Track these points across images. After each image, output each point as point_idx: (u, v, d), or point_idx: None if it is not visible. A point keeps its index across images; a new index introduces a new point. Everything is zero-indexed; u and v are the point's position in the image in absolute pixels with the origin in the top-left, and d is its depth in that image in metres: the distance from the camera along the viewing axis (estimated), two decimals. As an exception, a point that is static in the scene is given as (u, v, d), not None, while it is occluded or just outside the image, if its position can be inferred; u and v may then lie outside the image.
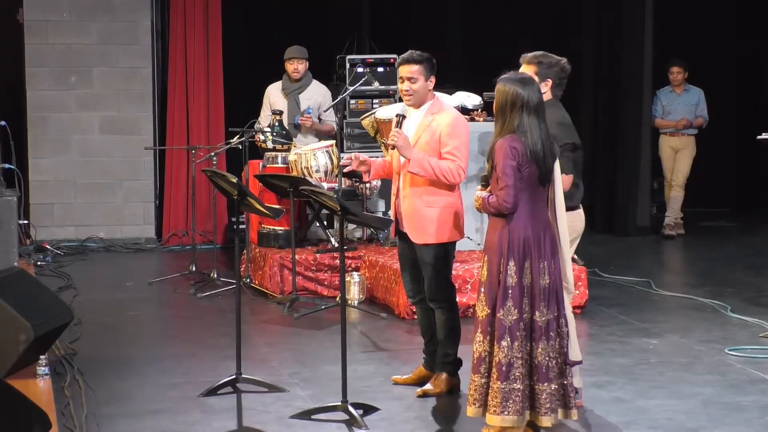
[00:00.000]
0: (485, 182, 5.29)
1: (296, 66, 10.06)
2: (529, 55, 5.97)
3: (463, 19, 13.41)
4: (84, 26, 11.91)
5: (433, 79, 6.27)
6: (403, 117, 6.26)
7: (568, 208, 5.87)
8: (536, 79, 5.84)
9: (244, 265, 9.47)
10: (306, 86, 10.18)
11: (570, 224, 5.85)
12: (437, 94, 6.44)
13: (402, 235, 6.38)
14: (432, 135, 6.19)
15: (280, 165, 9.60)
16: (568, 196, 5.87)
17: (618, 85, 12.57)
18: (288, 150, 9.65)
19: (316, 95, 10.19)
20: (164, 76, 12.26)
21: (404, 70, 6.25)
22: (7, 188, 9.64)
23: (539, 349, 5.16)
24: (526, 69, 5.91)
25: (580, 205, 6.09)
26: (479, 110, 9.39)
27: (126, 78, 12.00)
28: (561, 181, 5.38)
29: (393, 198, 6.39)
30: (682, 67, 12.31)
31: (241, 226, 9.86)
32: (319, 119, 10.22)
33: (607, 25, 12.70)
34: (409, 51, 6.32)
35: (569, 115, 6.09)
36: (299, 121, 9.96)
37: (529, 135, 5.15)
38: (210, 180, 6.73)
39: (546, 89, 5.90)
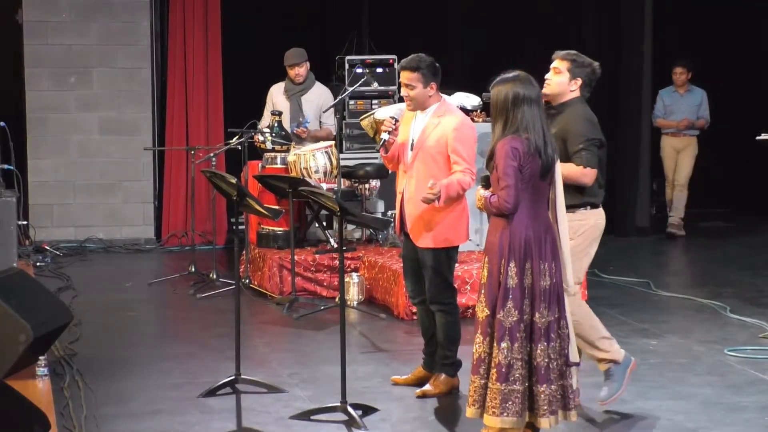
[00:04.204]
0: (486, 182, 5.29)
1: (297, 71, 10.07)
2: (563, 52, 6.02)
3: (463, 19, 13.41)
4: (83, 27, 11.91)
5: (434, 85, 6.25)
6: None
7: (593, 205, 5.89)
8: (567, 75, 5.91)
9: (243, 266, 9.47)
10: (308, 88, 10.19)
11: (596, 222, 5.92)
12: (443, 96, 6.42)
13: (406, 236, 6.38)
14: (439, 138, 6.19)
15: (279, 166, 9.61)
16: (592, 193, 5.90)
17: (618, 84, 12.57)
18: (287, 151, 9.65)
19: (318, 98, 10.19)
20: (163, 76, 12.27)
21: (402, 76, 6.28)
22: (6, 189, 9.64)
23: (538, 351, 5.15)
24: (559, 64, 5.96)
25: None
26: (478, 111, 9.40)
27: (125, 79, 12.01)
28: (562, 182, 5.38)
29: (398, 196, 6.39)
30: (686, 68, 12.30)
31: (240, 227, 9.87)
32: (320, 122, 10.22)
33: (607, 25, 12.69)
34: (411, 56, 6.29)
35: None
36: (294, 131, 9.96)
37: (532, 128, 5.14)
38: (209, 181, 6.73)
39: (575, 87, 5.97)
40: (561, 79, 5.97)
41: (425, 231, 6.23)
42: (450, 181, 6.11)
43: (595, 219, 5.96)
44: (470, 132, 6.27)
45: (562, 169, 5.74)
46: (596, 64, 6.05)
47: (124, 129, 12.03)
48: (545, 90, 5.93)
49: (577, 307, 5.93)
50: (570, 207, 5.81)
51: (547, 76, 5.98)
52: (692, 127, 12.32)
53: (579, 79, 5.98)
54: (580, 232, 5.88)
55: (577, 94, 6.00)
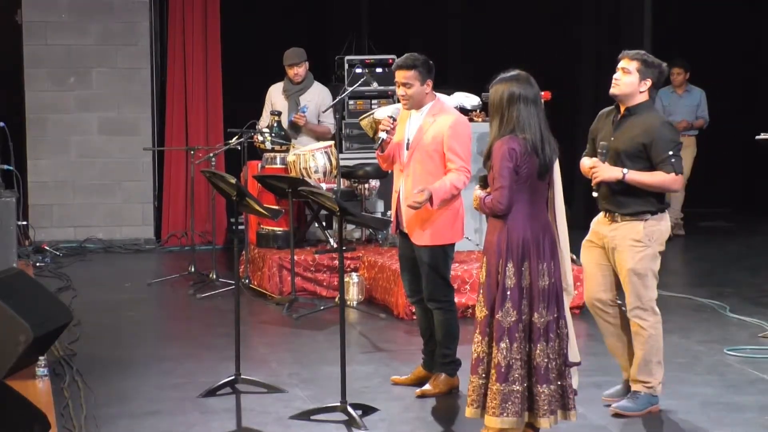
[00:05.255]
0: (483, 182, 5.30)
1: (296, 71, 10.07)
2: (632, 51, 5.93)
3: (463, 19, 13.41)
4: (83, 27, 11.91)
5: (429, 83, 6.27)
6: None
7: (663, 210, 5.89)
8: (637, 76, 5.84)
9: (243, 266, 9.47)
10: (307, 88, 10.19)
11: (666, 226, 5.94)
12: (437, 95, 6.44)
13: (402, 234, 6.39)
14: (434, 137, 6.20)
15: (278, 166, 9.60)
16: (665, 198, 5.91)
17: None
18: (287, 151, 9.65)
19: (317, 97, 10.19)
20: (163, 76, 12.27)
21: (399, 76, 6.27)
22: (6, 189, 9.64)
23: (537, 351, 5.15)
24: (628, 64, 5.88)
25: None
26: (478, 111, 9.40)
27: (125, 79, 12.00)
28: (560, 182, 5.38)
29: (395, 195, 6.40)
30: (683, 68, 12.29)
31: (240, 227, 9.86)
32: (318, 121, 10.23)
33: (606, 25, 12.69)
34: (405, 55, 6.32)
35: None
36: (293, 118, 9.97)
37: (528, 127, 5.14)
38: (209, 181, 6.73)
39: (645, 89, 5.89)
40: (631, 80, 5.85)
41: (422, 229, 6.25)
42: (442, 184, 6.12)
43: (665, 223, 5.96)
44: (466, 130, 6.28)
45: (650, 179, 5.74)
46: (664, 64, 5.95)
47: (123, 129, 12.03)
48: (614, 90, 5.89)
49: (656, 322, 5.95)
50: (644, 213, 5.82)
51: (616, 75, 5.88)
52: (691, 128, 12.32)
53: (649, 80, 5.86)
54: (654, 238, 5.87)
55: (646, 96, 5.90)
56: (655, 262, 5.92)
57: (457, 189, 6.16)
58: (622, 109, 5.96)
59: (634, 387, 6.00)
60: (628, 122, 5.89)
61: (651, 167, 5.82)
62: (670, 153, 5.79)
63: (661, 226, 5.93)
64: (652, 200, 5.88)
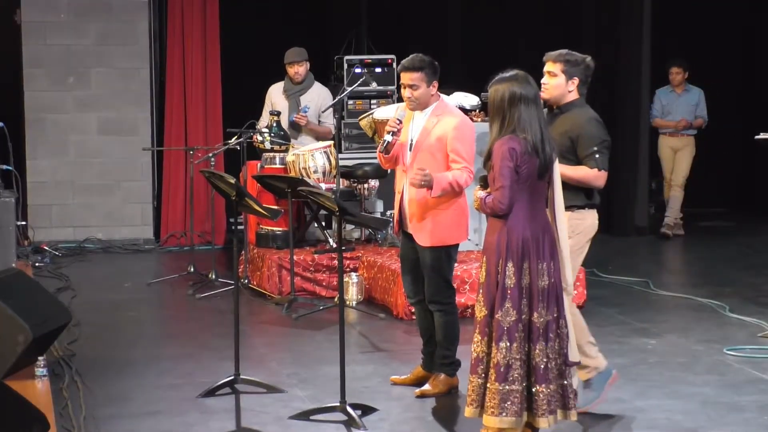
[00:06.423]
0: (484, 183, 5.29)
1: (297, 69, 10.08)
2: (554, 53, 5.96)
3: (463, 20, 13.40)
4: (82, 27, 11.91)
5: (435, 84, 6.25)
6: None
7: (591, 206, 5.89)
8: (563, 77, 5.87)
9: (242, 266, 9.46)
10: (307, 88, 10.19)
11: (593, 222, 5.92)
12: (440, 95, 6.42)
13: (405, 235, 6.38)
14: (439, 137, 6.19)
15: (278, 166, 9.60)
16: (594, 195, 5.91)
17: (616, 84, 12.57)
18: (286, 151, 9.65)
19: (317, 97, 10.19)
20: (162, 76, 12.26)
21: (405, 77, 6.23)
22: (5, 189, 9.64)
23: (537, 350, 5.15)
24: (552, 67, 5.91)
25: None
26: (477, 110, 9.40)
27: (124, 79, 12.00)
28: (560, 181, 5.37)
29: (397, 195, 6.38)
30: (682, 68, 12.31)
31: (239, 227, 9.86)
32: (319, 121, 10.23)
33: (606, 25, 12.69)
34: (411, 57, 6.28)
35: None
36: (294, 119, 9.97)
37: (529, 127, 5.14)
38: (208, 181, 6.73)
39: (573, 88, 5.93)
40: (558, 82, 5.91)
41: (425, 230, 6.23)
42: (444, 174, 6.10)
43: (592, 219, 5.97)
44: (470, 132, 6.28)
45: (573, 173, 5.75)
46: (588, 58, 6.01)
47: (122, 129, 12.03)
48: (544, 95, 5.90)
49: (569, 307, 5.92)
50: (570, 207, 5.81)
51: (543, 80, 5.91)
52: (690, 127, 12.34)
53: (576, 78, 5.93)
54: (578, 231, 5.87)
55: (576, 94, 5.96)
56: (578, 253, 5.88)
57: (458, 185, 6.13)
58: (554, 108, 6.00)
59: (582, 377, 5.96)
60: (558, 120, 5.93)
61: (579, 163, 5.84)
62: (594, 149, 5.81)
63: (587, 220, 5.93)
64: (581, 195, 5.87)
